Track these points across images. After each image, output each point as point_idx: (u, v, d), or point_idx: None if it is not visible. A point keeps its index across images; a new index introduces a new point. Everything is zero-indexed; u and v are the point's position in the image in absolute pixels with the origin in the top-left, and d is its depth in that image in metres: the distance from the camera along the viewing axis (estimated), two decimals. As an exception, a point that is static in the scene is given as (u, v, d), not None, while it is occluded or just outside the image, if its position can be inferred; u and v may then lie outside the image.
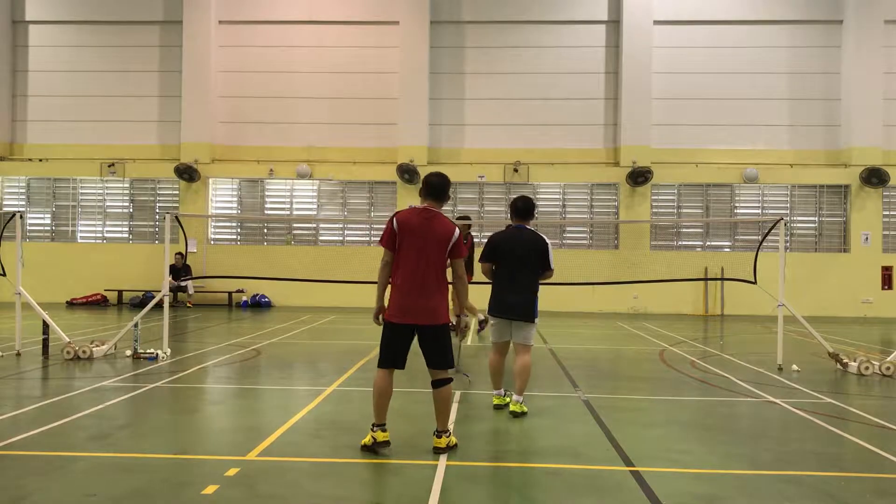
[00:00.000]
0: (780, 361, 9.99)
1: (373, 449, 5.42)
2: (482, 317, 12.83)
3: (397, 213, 5.51)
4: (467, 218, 13.72)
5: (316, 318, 17.09)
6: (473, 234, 21.22)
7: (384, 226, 5.58)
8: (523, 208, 6.97)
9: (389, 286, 5.50)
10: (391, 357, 5.50)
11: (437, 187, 5.51)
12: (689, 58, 20.90)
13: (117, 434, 5.99)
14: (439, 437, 5.48)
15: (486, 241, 7.10)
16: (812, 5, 20.79)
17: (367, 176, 21.19)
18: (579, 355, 11.28)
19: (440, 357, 5.50)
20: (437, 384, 5.55)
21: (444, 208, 5.66)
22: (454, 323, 7.19)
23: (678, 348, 12.25)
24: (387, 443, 5.43)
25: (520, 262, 6.79)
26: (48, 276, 19.67)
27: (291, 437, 5.94)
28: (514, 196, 7.21)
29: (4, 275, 10.76)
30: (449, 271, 5.64)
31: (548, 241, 6.96)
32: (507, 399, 6.98)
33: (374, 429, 5.46)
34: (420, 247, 5.37)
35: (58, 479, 4.76)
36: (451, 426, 6.25)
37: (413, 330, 5.46)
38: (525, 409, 6.84)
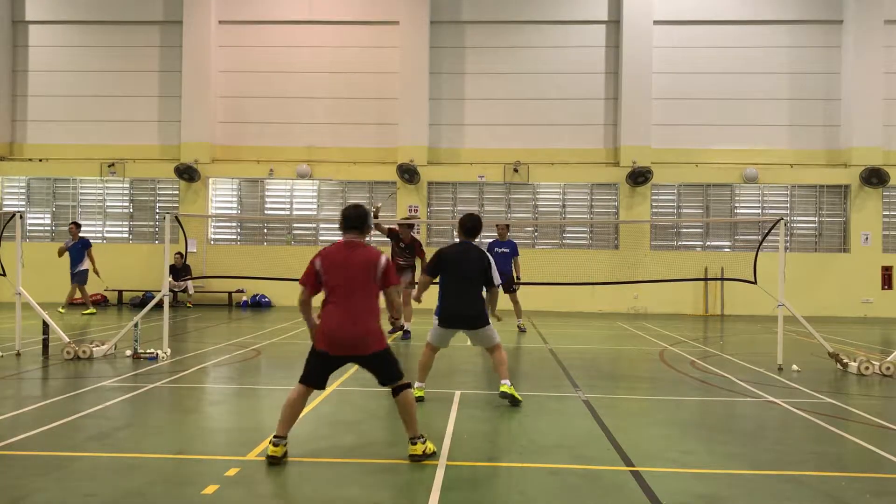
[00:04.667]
0: (780, 361, 9.99)
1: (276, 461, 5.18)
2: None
3: (320, 251, 5.43)
4: (410, 226, 13.75)
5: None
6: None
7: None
8: (471, 227, 7.39)
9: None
10: (313, 378, 5.43)
11: (353, 219, 5.41)
12: (689, 58, 20.90)
13: (117, 434, 5.99)
14: (413, 443, 5.37)
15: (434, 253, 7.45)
16: (812, 5, 20.80)
17: (367, 176, 21.19)
18: (579, 355, 11.28)
19: (389, 375, 5.43)
20: (396, 391, 5.43)
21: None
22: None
23: (678, 348, 12.25)
24: (276, 458, 5.18)
25: (466, 276, 7.18)
26: (48, 276, 19.64)
27: (291, 437, 5.92)
28: (465, 214, 7.65)
29: (4, 275, 10.77)
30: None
31: (490, 257, 7.39)
32: (422, 392, 7.35)
33: (274, 440, 5.26)
34: (347, 277, 5.30)
35: (58, 479, 4.76)
36: (447, 434, 6.24)
37: (344, 360, 5.40)
38: (514, 392, 7.20)
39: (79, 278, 16.95)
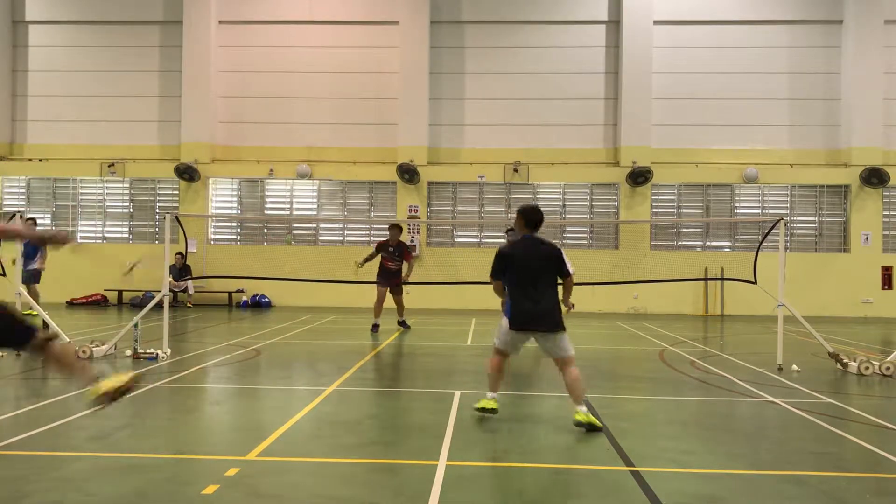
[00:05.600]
0: (780, 361, 9.98)
1: None
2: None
3: None
4: (399, 228, 14.03)
5: (316, 318, 17.09)
6: (473, 234, 21.26)
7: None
8: (536, 220, 6.65)
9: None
10: None
11: None
12: (689, 58, 20.90)
13: (117, 434, 5.99)
14: None
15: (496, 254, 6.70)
16: (812, 5, 20.80)
17: (367, 176, 21.19)
18: (579, 355, 11.21)
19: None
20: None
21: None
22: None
23: (678, 348, 12.24)
24: None
25: (536, 271, 6.49)
26: (48, 276, 19.59)
27: (291, 437, 5.94)
28: (523, 203, 6.94)
29: (4, 275, 10.77)
30: None
31: (559, 247, 6.83)
32: (496, 404, 6.60)
33: None
34: None
35: (58, 479, 4.76)
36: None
37: None
38: (591, 419, 6.23)
39: (33, 277, 15.41)
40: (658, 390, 8.52)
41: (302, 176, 20.98)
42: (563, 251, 6.89)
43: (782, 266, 10.28)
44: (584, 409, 6.30)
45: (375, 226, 21.20)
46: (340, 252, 20.63)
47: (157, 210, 21.69)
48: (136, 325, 10.03)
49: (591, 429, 6.19)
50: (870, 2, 20.21)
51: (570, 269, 6.78)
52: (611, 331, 15.48)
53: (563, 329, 6.49)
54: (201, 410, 7.26)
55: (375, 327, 13.75)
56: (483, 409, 6.58)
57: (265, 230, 21.84)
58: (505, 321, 6.61)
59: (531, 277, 6.50)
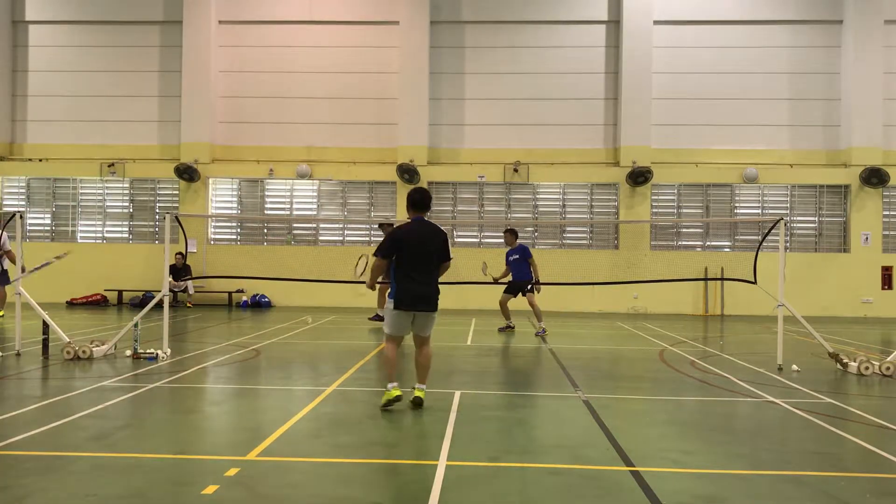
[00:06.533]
0: (780, 361, 9.98)
1: None
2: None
3: None
4: (390, 224, 14.18)
5: (316, 318, 17.09)
6: (473, 234, 21.25)
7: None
8: (420, 200, 7.01)
9: None
10: None
11: None
12: (689, 58, 20.90)
13: (117, 434, 5.99)
14: None
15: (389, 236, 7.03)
16: (812, 5, 20.80)
17: (367, 176, 21.19)
18: (579, 355, 11.28)
19: None
20: None
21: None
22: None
23: (678, 348, 12.24)
24: None
25: (426, 253, 6.86)
26: (48, 276, 19.56)
27: (291, 437, 5.94)
28: (412, 188, 7.28)
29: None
30: None
31: (445, 233, 7.16)
32: (399, 392, 6.87)
33: None
34: None
35: (58, 479, 4.75)
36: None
37: None
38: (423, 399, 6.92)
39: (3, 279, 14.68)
40: (658, 390, 8.52)
41: (302, 176, 20.98)
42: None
43: (782, 266, 10.28)
44: (424, 388, 6.93)
45: (375, 226, 21.19)
46: (340, 252, 20.62)
47: (157, 210, 21.69)
48: (136, 325, 10.03)
49: (417, 404, 6.83)
50: (870, 2, 20.21)
51: (450, 255, 7.13)
52: (611, 331, 15.48)
53: (437, 309, 6.98)
54: (201, 410, 7.25)
55: (379, 318, 14.13)
56: (389, 401, 6.81)
57: (265, 230, 21.84)
58: (390, 304, 6.88)
59: (423, 259, 6.84)
